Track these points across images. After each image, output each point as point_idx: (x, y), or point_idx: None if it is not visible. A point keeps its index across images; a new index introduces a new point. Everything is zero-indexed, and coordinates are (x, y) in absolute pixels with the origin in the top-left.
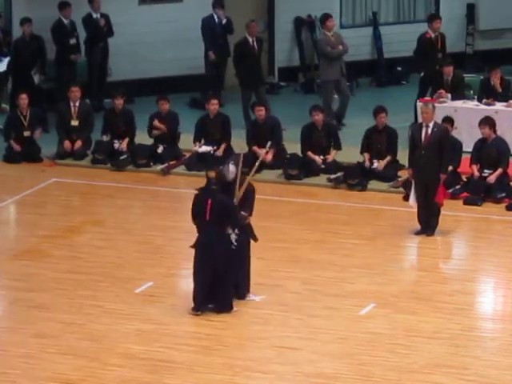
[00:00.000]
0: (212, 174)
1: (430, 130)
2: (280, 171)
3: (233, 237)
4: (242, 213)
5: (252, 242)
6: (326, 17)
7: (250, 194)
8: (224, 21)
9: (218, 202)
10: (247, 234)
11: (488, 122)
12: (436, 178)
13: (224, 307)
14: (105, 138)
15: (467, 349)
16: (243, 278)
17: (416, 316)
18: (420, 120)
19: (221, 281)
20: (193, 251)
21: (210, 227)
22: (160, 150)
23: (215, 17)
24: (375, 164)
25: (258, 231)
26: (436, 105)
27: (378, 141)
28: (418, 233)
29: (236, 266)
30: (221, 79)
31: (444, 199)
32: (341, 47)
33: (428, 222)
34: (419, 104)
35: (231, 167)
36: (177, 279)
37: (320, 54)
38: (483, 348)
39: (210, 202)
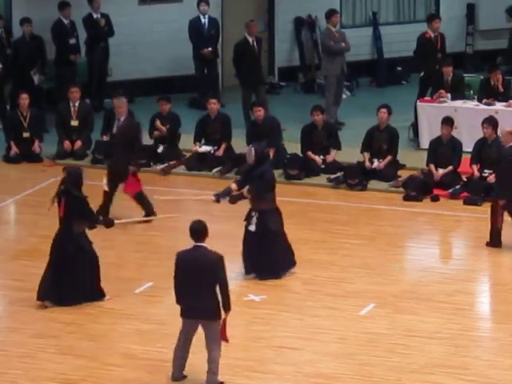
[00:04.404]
0: (64, 173)
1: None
2: (280, 171)
3: (253, 220)
4: (244, 191)
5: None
6: (332, 12)
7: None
8: (206, 16)
9: (70, 200)
10: (266, 220)
11: (492, 122)
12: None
13: (61, 301)
14: (105, 138)
15: (467, 349)
16: (275, 259)
17: (416, 316)
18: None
19: (61, 277)
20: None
21: (63, 224)
22: (160, 149)
23: (201, 17)
24: (375, 164)
25: None
26: (436, 105)
27: (380, 140)
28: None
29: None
30: (214, 79)
31: (134, 191)
32: (343, 44)
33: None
34: (419, 104)
35: (253, 151)
36: None
37: (322, 49)
38: (483, 348)
39: (63, 200)
